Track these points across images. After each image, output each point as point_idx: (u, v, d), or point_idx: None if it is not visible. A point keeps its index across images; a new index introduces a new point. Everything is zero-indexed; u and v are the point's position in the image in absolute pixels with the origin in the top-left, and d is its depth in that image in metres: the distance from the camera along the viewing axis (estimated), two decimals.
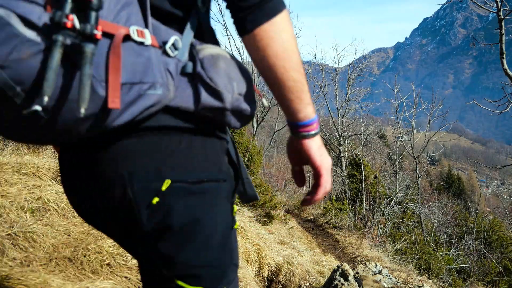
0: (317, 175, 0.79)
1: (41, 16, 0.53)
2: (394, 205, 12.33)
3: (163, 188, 0.66)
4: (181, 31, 0.70)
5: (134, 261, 2.08)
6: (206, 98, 0.67)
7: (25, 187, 2.54)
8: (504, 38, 4.71)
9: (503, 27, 4.65)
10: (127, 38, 0.58)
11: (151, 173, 0.66)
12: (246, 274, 2.57)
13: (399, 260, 7.75)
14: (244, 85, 0.72)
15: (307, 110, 0.74)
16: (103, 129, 0.61)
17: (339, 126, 15.47)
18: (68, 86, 0.54)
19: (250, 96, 0.73)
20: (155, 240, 0.69)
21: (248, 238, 3.69)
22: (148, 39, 0.61)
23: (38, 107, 0.53)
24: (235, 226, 0.80)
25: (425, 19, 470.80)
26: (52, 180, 2.90)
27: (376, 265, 4.27)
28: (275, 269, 3.70)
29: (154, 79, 0.61)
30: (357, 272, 4.05)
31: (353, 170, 12.50)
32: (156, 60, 0.62)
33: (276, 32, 0.68)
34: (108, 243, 2.15)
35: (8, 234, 1.95)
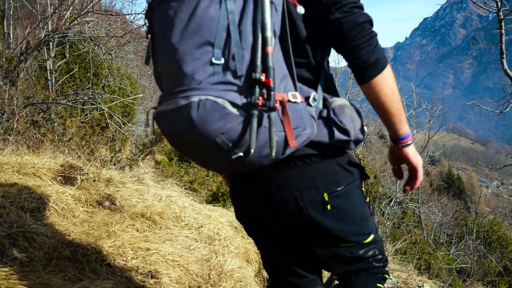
0: (414, 171, 1.15)
1: (241, 99, 0.88)
2: (394, 205, 12.33)
3: (326, 199, 1.07)
4: (314, 86, 1.06)
5: (134, 261, 2.08)
6: (338, 135, 1.05)
7: (25, 187, 2.54)
8: (504, 38, 4.70)
9: (503, 27, 4.65)
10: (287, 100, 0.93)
11: (313, 191, 1.07)
12: (246, 274, 2.57)
13: (399, 260, 7.74)
14: (360, 123, 1.10)
15: (405, 129, 1.09)
16: (276, 160, 0.98)
17: None
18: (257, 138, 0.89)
19: (362, 129, 1.12)
20: (327, 224, 1.09)
21: (248, 238, 3.69)
22: (298, 98, 0.95)
23: (241, 153, 0.92)
24: (367, 200, 1.23)
25: (425, 19, 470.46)
26: (52, 180, 2.90)
27: None
28: None
29: (304, 123, 0.96)
30: None
31: None
32: (304, 110, 0.97)
33: (385, 80, 1.01)
34: (108, 243, 2.15)
35: (8, 234, 1.95)
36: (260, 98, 0.87)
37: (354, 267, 1.20)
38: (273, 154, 0.89)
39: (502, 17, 4.65)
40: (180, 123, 0.91)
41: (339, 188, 1.09)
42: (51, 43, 5.94)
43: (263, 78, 0.87)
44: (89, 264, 1.95)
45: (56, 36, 4.89)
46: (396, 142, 1.11)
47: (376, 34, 1.01)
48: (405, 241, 9.34)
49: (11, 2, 6.27)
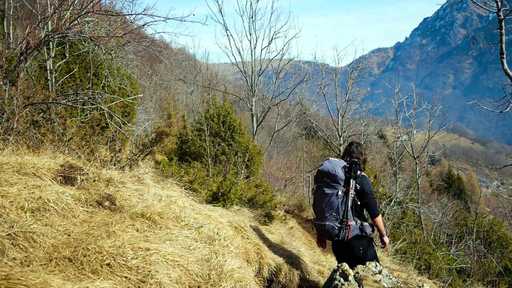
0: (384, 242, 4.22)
1: (339, 225, 3.80)
2: (394, 205, 12.32)
3: (361, 249, 3.86)
4: (358, 217, 3.90)
5: (134, 261, 2.08)
6: (364, 232, 3.85)
7: (25, 187, 2.54)
8: (504, 38, 4.70)
9: (503, 27, 4.64)
10: None
11: (358, 247, 3.84)
12: (246, 274, 2.57)
13: (399, 260, 7.74)
14: (370, 230, 3.92)
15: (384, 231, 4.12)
16: (346, 239, 3.80)
17: (339, 126, 15.45)
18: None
19: (371, 229, 3.96)
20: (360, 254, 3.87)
21: (248, 238, 3.69)
22: (353, 223, 3.82)
23: (337, 238, 3.80)
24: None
25: (425, 19, 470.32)
26: (52, 180, 2.90)
27: (376, 265, 4.27)
28: (275, 269, 3.70)
29: (354, 230, 3.81)
30: (357, 272, 4.05)
31: None
32: (354, 226, 3.78)
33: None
34: (108, 243, 2.15)
35: (8, 234, 1.95)
36: (344, 224, 3.64)
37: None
38: (347, 238, 3.70)
39: (502, 17, 4.64)
40: (324, 228, 3.72)
41: (364, 246, 3.83)
42: (51, 43, 5.94)
43: (345, 220, 3.65)
44: (89, 264, 1.95)
45: (56, 36, 4.89)
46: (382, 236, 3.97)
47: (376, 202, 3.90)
48: (405, 241, 9.33)
49: (11, 2, 6.27)
